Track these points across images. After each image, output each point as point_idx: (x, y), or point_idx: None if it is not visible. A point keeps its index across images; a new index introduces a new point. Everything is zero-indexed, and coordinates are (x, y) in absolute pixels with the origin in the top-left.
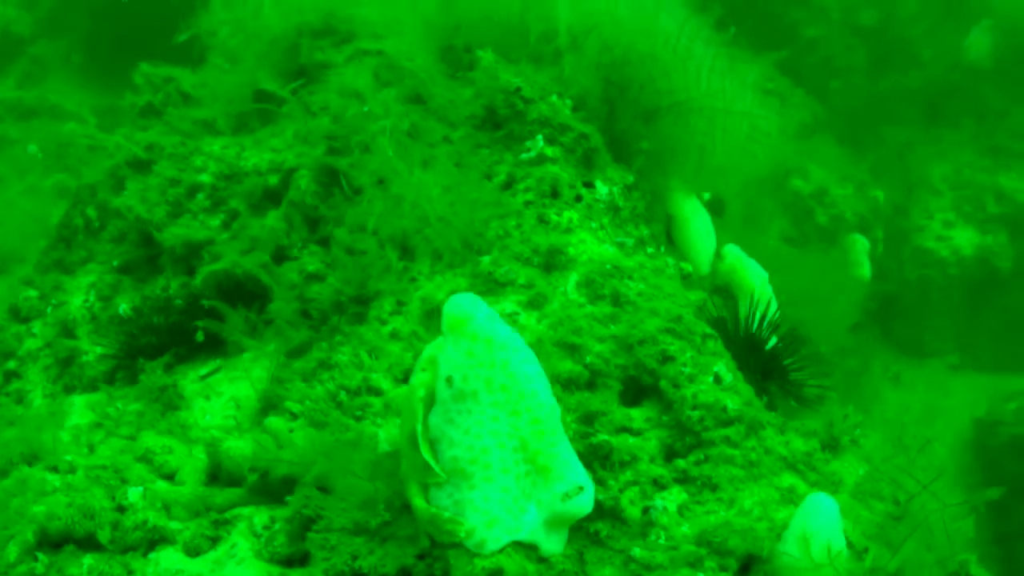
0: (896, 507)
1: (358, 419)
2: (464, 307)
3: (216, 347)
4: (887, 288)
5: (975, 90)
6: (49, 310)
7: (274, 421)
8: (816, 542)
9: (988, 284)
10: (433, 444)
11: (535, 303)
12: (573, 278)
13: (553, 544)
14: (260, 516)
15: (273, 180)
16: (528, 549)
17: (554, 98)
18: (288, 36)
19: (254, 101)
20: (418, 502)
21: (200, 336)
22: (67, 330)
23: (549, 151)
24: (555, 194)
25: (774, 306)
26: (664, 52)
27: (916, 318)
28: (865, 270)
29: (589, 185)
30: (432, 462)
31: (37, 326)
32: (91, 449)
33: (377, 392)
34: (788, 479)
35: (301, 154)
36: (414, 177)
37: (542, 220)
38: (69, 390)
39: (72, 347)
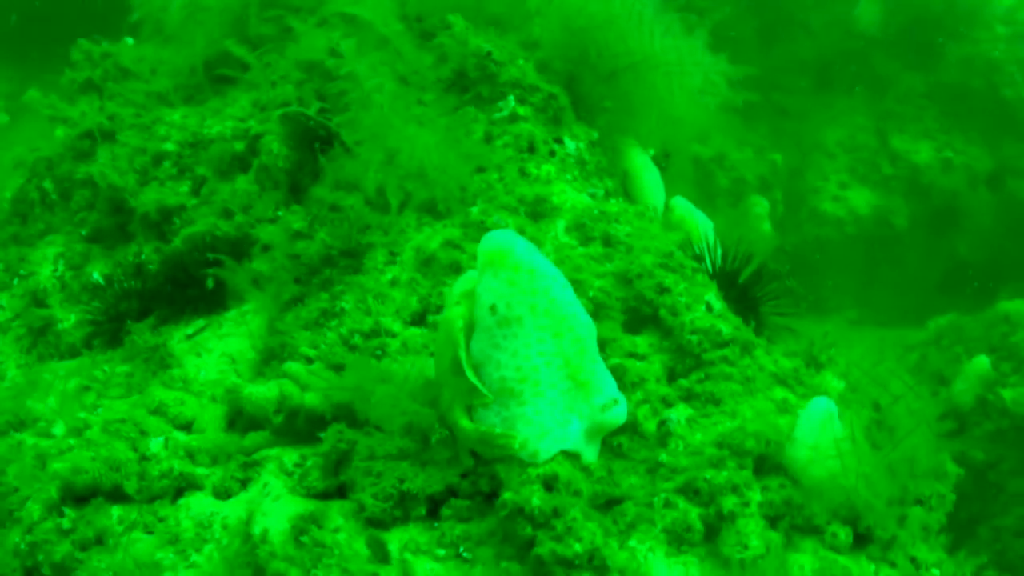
0: (877, 412)
1: (378, 358)
2: (504, 241)
3: (197, 307)
4: (787, 246)
5: (866, 57)
6: (16, 282)
7: (292, 366)
8: (835, 427)
9: (885, 242)
10: (477, 368)
11: None
12: (561, 224)
13: (591, 453)
14: (289, 455)
15: (239, 146)
16: (572, 458)
17: (521, 61)
18: (236, 7)
19: (205, 72)
20: (464, 423)
21: (211, 283)
22: (38, 300)
23: (521, 110)
24: (532, 149)
25: (720, 251)
26: (621, 16)
27: (815, 275)
28: (767, 228)
29: (559, 141)
30: (479, 384)
31: (4, 298)
32: (89, 410)
33: (391, 334)
34: (780, 392)
35: (265, 120)
36: (409, 130)
37: (523, 173)
38: (44, 359)
39: (46, 316)
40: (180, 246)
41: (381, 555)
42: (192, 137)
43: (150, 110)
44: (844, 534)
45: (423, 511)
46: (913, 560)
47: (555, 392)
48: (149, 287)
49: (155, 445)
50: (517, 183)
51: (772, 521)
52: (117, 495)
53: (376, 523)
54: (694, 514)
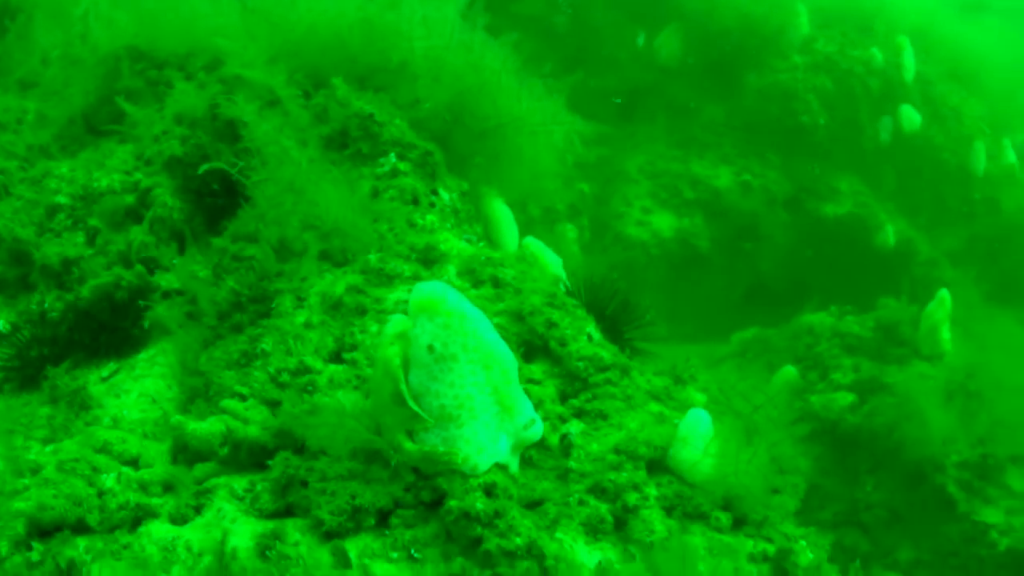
0: (739, 419)
1: (311, 393)
2: (437, 291)
3: (108, 352)
4: (594, 270)
5: (667, 87)
6: None
7: (230, 403)
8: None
9: (689, 262)
10: (417, 398)
11: None
12: (452, 269)
13: (515, 465)
14: (238, 482)
15: (130, 199)
16: (502, 469)
17: (398, 120)
18: (110, 62)
19: (83, 124)
20: (408, 445)
21: (147, 324)
22: None
23: (402, 166)
24: (416, 201)
25: (569, 285)
26: (491, 83)
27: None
28: (576, 252)
29: (435, 193)
30: (420, 411)
31: None
32: (25, 452)
33: (315, 371)
34: (655, 406)
35: (152, 173)
36: (325, 185)
37: (411, 223)
38: None
39: None
40: (88, 295)
41: (343, 561)
42: (83, 190)
43: (33, 163)
44: (725, 518)
45: (373, 522)
46: (785, 535)
47: (487, 415)
48: (59, 334)
49: (109, 480)
50: (407, 232)
51: (668, 511)
52: (80, 527)
53: (332, 535)
54: (604, 509)
